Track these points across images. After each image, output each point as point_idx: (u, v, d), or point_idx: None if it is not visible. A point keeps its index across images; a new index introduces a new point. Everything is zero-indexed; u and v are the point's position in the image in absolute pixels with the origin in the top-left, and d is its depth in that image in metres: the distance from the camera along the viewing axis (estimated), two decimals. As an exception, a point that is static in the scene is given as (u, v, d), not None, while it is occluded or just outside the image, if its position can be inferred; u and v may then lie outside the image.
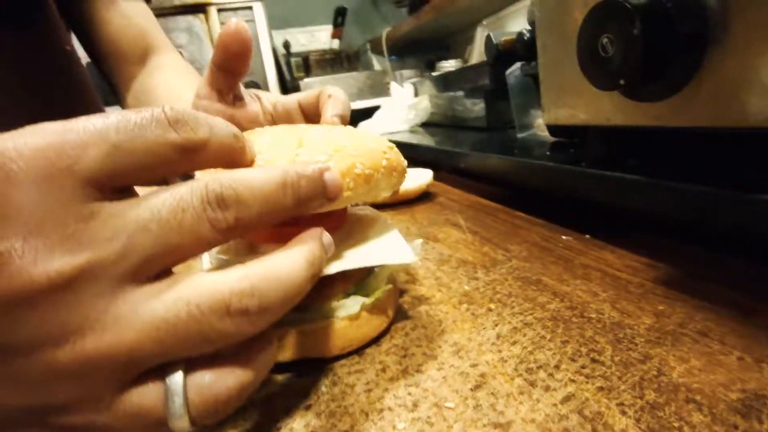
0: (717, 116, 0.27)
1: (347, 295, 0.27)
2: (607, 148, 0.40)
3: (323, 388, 0.24)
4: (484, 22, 1.39)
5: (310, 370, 0.25)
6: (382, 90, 1.68)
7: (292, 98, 0.39)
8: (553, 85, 0.41)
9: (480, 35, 1.41)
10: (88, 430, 0.16)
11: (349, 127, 0.29)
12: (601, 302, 0.28)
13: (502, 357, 0.24)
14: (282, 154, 0.23)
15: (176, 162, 0.17)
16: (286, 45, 2.04)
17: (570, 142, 0.48)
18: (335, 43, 2.00)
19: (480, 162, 0.55)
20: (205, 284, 0.16)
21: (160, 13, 1.59)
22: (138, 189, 0.18)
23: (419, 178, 0.59)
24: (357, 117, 1.25)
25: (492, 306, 0.30)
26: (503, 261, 0.36)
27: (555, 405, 0.20)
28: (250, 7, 1.77)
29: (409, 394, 0.22)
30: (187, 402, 0.16)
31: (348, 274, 0.26)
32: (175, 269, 0.18)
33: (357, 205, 0.29)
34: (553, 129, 0.49)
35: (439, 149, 0.70)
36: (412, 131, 0.99)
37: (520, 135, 0.60)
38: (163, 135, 0.17)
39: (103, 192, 0.16)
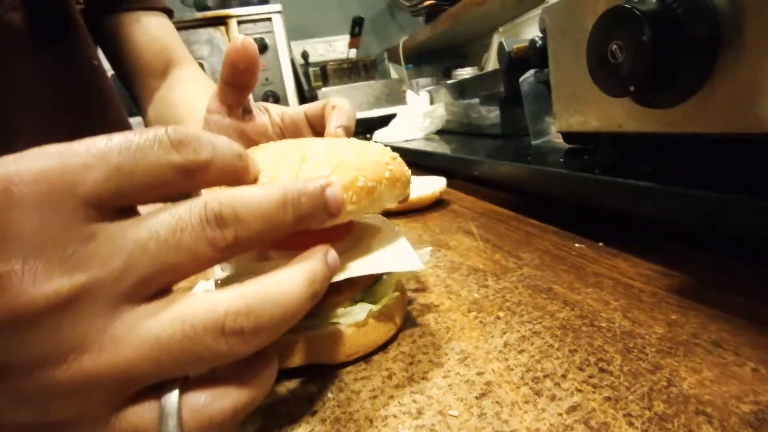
0: (730, 122, 0.26)
1: (354, 302, 0.27)
2: (619, 154, 0.39)
3: (329, 395, 0.24)
4: (501, 30, 1.39)
5: (316, 377, 0.25)
6: (398, 98, 1.69)
7: (299, 110, 0.40)
8: (564, 92, 0.40)
9: (496, 43, 1.41)
10: None
11: (353, 139, 0.29)
12: (612, 311, 0.28)
13: (509, 365, 0.24)
14: (285, 170, 0.23)
15: (178, 183, 0.18)
16: (305, 55, 2.07)
17: (584, 149, 0.48)
18: (353, 53, 2.02)
19: (493, 169, 0.54)
20: (201, 304, 0.16)
21: (182, 26, 1.64)
22: (141, 207, 0.18)
23: (432, 185, 0.59)
24: (373, 125, 1.26)
25: (501, 314, 0.29)
26: (514, 269, 0.36)
27: (560, 414, 0.20)
28: (269, 19, 1.80)
29: (414, 401, 0.22)
30: (181, 423, 0.16)
31: (355, 281, 0.26)
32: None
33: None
34: (566, 136, 0.49)
35: (453, 156, 0.70)
36: (427, 139, 1.00)
37: (534, 142, 0.59)
38: (165, 156, 0.17)
39: (104, 212, 0.16)
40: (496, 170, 0.54)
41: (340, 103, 0.36)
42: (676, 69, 0.27)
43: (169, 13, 0.62)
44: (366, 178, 0.24)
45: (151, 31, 0.58)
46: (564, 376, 0.23)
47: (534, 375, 0.23)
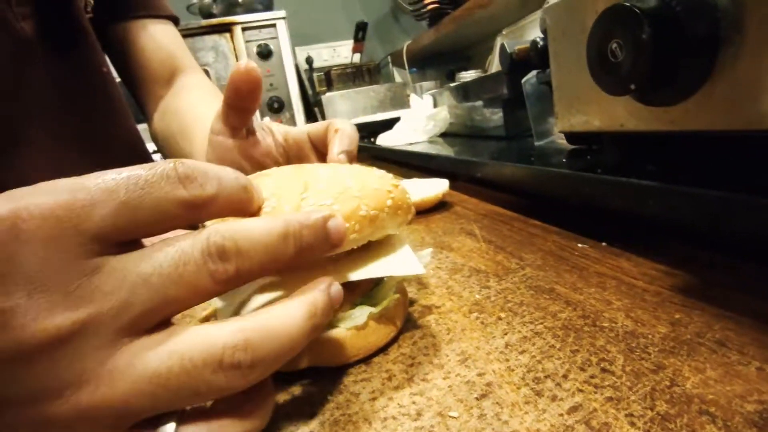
0: (732, 120, 0.26)
1: (354, 305, 0.27)
2: (623, 154, 0.39)
3: (328, 397, 0.24)
4: (504, 32, 1.39)
5: (315, 379, 0.25)
6: (402, 102, 1.69)
7: (302, 130, 0.40)
8: (566, 93, 0.40)
9: (499, 45, 1.41)
10: None
11: (355, 166, 0.30)
12: (615, 311, 0.28)
13: (510, 366, 0.24)
14: (287, 200, 0.23)
15: (183, 217, 0.18)
16: (309, 60, 2.08)
17: (588, 149, 0.48)
18: (356, 58, 2.03)
19: (496, 171, 0.54)
20: (200, 337, 0.16)
21: (187, 33, 1.65)
22: None
23: (435, 187, 0.59)
24: (377, 129, 1.26)
25: (502, 315, 0.29)
26: (516, 270, 0.36)
27: (561, 415, 0.20)
28: (274, 25, 1.82)
29: (414, 402, 0.22)
30: None
31: (355, 285, 0.26)
32: None
33: None
34: (569, 136, 0.49)
35: (456, 159, 0.70)
36: (431, 142, 0.99)
37: (537, 143, 0.59)
38: (172, 192, 0.17)
39: (109, 246, 0.16)
40: (499, 172, 0.54)
41: (343, 126, 0.36)
42: (676, 67, 0.27)
43: (175, 20, 0.63)
44: (368, 206, 0.24)
45: (157, 38, 0.58)
46: (565, 377, 0.22)
47: (535, 375, 0.23)
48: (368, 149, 1.22)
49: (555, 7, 0.39)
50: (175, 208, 0.17)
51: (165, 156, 0.58)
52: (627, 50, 0.28)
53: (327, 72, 1.80)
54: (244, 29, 1.79)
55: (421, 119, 1.03)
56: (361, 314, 0.26)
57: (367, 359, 0.27)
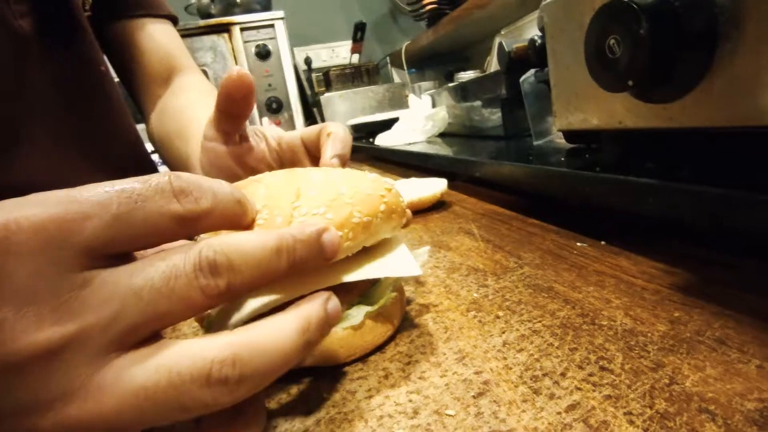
0: (731, 116, 0.26)
1: (351, 305, 0.27)
2: (622, 151, 0.39)
3: (324, 395, 0.23)
4: (503, 32, 1.39)
5: (312, 377, 0.25)
6: (401, 102, 1.69)
7: (296, 134, 0.40)
8: (564, 90, 0.40)
9: (497, 45, 1.41)
10: None
11: (348, 170, 0.29)
12: (613, 309, 0.27)
13: (507, 364, 0.24)
14: (279, 210, 0.23)
15: (176, 231, 0.18)
16: (308, 61, 2.08)
17: (587, 148, 0.47)
18: (355, 58, 2.03)
19: (494, 170, 0.54)
20: (188, 351, 0.16)
21: (186, 33, 1.65)
22: None
23: (433, 187, 0.59)
24: (376, 129, 1.26)
25: (500, 313, 0.29)
26: (515, 268, 0.36)
27: (559, 413, 0.20)
28: (272, 25, 1.81)
29: (410, 401, 0.22)
30: None
31: (352, 285, 0.26)
32: None
33: None
34: (568, 135, 0.48)
35: (453, 158, 0.70)
36: (429, 142, 0.99)
37: (536, 143, 0.59)
38: (166, 206, 0.17)
39: (100, 259, 0.16)
40: (498, 171, 0.53)
41: (336, 130, 0.36)
42: (674, 63, 0.27)
43: (173, 20, 0.63)
44: (361, 213, 0.24)
45: (155, 37, 0.58)
46: (563, 375, 0.22)
47: (533, 374, 0.23)
48: (367, 149, 1.22)
49: (552, 4, 0.39)
50: (169, 222, 0.17)
51: (162, 156, 0.58)
52: (625, 46, 0.28)
53: (325, 72, 1.80)
54: (242, 29, 1.78)
55: (420, 119, 1.03)
56: (358, 313, 0.26)
57: (364, 358, 0.26)
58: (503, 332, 0.27)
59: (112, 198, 0.16)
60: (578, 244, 0.39)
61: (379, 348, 0.27)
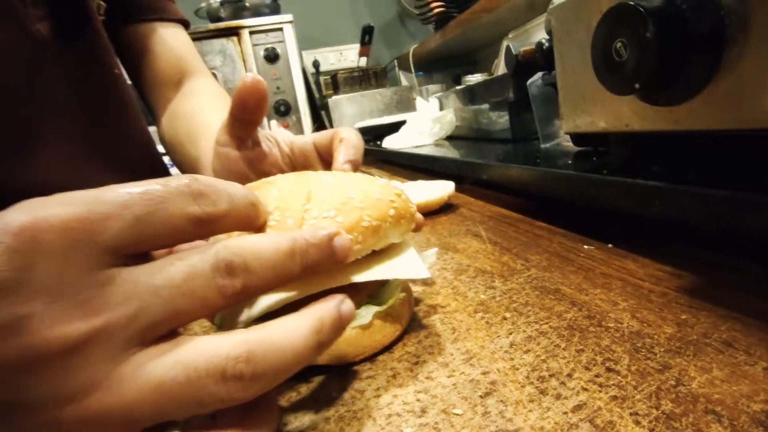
0: (737, 118, 0.26)
1: (360, 305, 0.27)
2: (629, 154, 0.39)
3: (333, 393, 0.24)
4: (510, 36, 1.39)
5: (321, 376, 0.26)
6: (408, 105, 1.69)
7: (308, 139, 0.40)
8: (571, 93, 0.40)
9: (505, 48, 1.41)
10: None
11: (358, 175, 0.30)
12: (620, 311, 0.28)
13: (514, 365, 0.24)
14: (291, 213, 0.24)
15: (194, 232, 0.18)
16: (316, 64, 2.09)
17: (594, 151, 0.47)
18: (363, 61, 2.04)
19: (501, 173, 0.54)
20: (204, 347, 0.17)
21: (195, 37, 1.67)
22: None
23: (440, 189, 0.59)
24: (383, 132, 1.27)
25: (507, 315, 0.29)
26: (522, 270, 0.36)
27: (565, 413, 0.20)
28: (281, 29, 1.83)
29: (418, 400, 0.22)
30: None
31: (361, 286, 0.26)
32: None
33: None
34: (575, 138, 0.49)
35: (461, 161, 0.70)
36: (437, 145, 1.00)
37: (544, 146, 0.59)
38: (185, 208, 0.18)
39: (122, 258, 0.17)
40: (505, 174, 0.54)
41: (348, 135, 0.36)
42: (681, 66, 0.27)
43: (185, 24, 0.64)
44: (371, 217, 0.25)
45: (167, 41, 0.59)
46: (570, 376, 0.22)
47: (539, 374, 0.23)
48: (374, 152, 1.22)
49: (560, 7, 0.39)
50: (187, 224, 0.18)
51: (173, 158, 0.59)
52: (631, 49, 0.28)
53: (333, 75, 1.81)
54: (251, 33, 1.80)
55: (427, 122, 1.04)
56: (366, 313, 0.26)
57: (372, 357, 0.27)
58: (510, 333, 0.27)
59: (134, 199, 0.17)
60: (585, 246, 0.39)
61: (388, 348, 0.27)
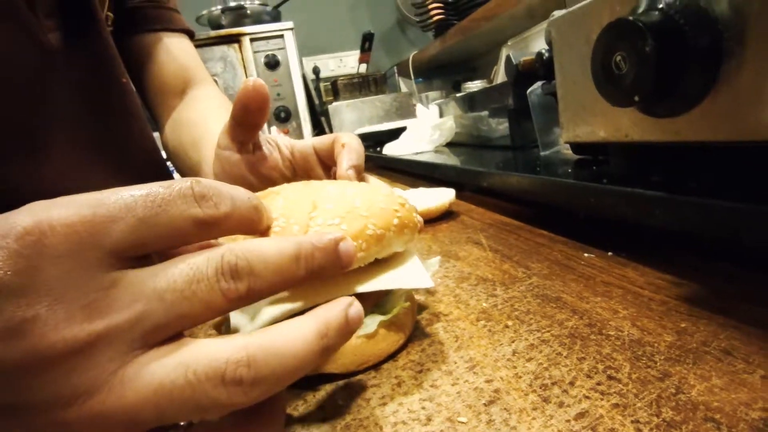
0: (735, 130, 0.27)
1: (365, 314, 0.28)
2: (629, 164, 0.39)
3: (339, 401, 0.24)
4: (509, 43, 1.40)
5: (327, 384, 0.26)
6: (408, 112, 1.70)
7: (308, 144, 0.41)
8: (571, 104, 0.41)
9: (505, 56, 1.42)
10: None
11: (363, 184, 0.30)
12: (621, 320, 0.28)
13: (517, 373, 0.24)
14: (296, 219, 0.24)
15: (196, 235, 0.19)
16: (316, 70, 2.10)
17: (593, 160, 0.48)
18: (363, 68, 2.05)
19: (502, 180, 0.55)
20: (205, 351, 0.17)
21: (197, 44, 1.66)
22: None
23: (441, 197, 0.59)
24: (383, 138, 1.27)
25: (509, 323, 0.30)
26: (523, 278, 0.36)
27: (568, 421, 0.20)
28: (282, 36, 1.84)
29: (423, 408, 0.23)
30: None
31: (366, 296, 0.27)
32: None
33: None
34: (575, 146, 0.49)
35: (461, 168, 0.71)
36: (437, 151, 1.00)
37: (543, 153, 0.60)
38: (187, 210, 0.18)
39: (125, 260, 0.17)
40: (505, 181, 0.54)
41: (350, 141, 0.37)
42: (679, 79, 0.28)
43: (190, 34, 0.65)
44: (375, 225, 0.25)
45: (172, 51, 0.60)
46: (572, 384, 0.23)
47: (542, 382, 0.23)
48: (374, 159, 1.23)
49: (560, 20, 0.39)
50: (190, 226, 0.18)
51: (175, 165, 0.59)
52: (631, 63, 0.29)
53: (333, 82, 1.82)
54: (252, 40, 1.81)
55: (427, 129, 1.04)
56: (371, 322, 0.27)
57: (376, 366, 0.27)
58: (513, 341, 0.27)
59: (137, 202, 0.17)
60: (585, 254, 0.39)
61: (392, 356, 0.28)
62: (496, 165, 0.64)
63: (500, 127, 0.81)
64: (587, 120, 0.39)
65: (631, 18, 0.28)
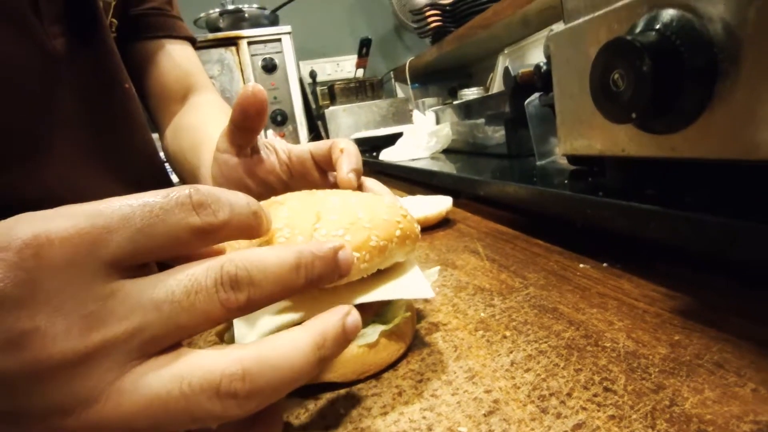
0: (728, 148, 0.27)
1: (366, 324, 0.28)
2: (624, 177, 0.40)
3: (341, 410, 0.25)
4: (506, 51, 1.42)
5: (328, 393, 0.26)
6: (404, 117, 1.71)
7: (305, 149, 0.41)
8: (568, 117, 0.42)
9: (501, 64, 1.43)
10: None
11: (365, 194, 0.31)
12: (616, 331, 0.29)
13: (516, 383, 0.25)
14: (301, 230, 0.25)
15: (195, 243, 0.19)
16: (313, 75, 2.11)
17: (589, 171, 0.49)
18: (360, 73, 2.06)
19: (498, 189, 0.55)
20: (201, 363, 0.17)
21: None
22: None
23: (438, 204, 0.60)
24: (380, 144, 1.28)
25: (507, 333, 0.30)
26: (520, 288, 0.37)
27: (566, 432, 0.21)
28: (279, 39, 1.84)
29: (424, 417, 0.23)
30: None
31: (367, 306, 0.27)
32: None
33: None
34: (571, 157, 0.50)
35: (459, 176, 0.71)
36: (433, 158, 1.01)
37: (539, 162, 0.61)
38: (185, 219, 0.18)
39: (123, 270, 0.17)
40: (502, 190, 0.55)
41: (347, 146, 0.37)
42: (675, 97, 0.28)
43: (193, 41, 0.65)
44: (378, 237, 0.26)
45: (174, 57, 0.60)
46: (569, 395, 0.23)
47: (540, 393, 0.24)
48: (371, 164, 1.23)
49: (559, 35, 0.40)
50: (188, 235, 0.18)
51: (175, 169, 0.60)
52: (628, 81, 0.30)
53: (330, 86, 1.83)
54: (249, 43, 1.81)
55: (424, 135, 1.05)
56: (373, 332, 0.27)
57: (377, 375, 0.27)
58: (511, 352, 0.28)
59: (135, 212, 0.17)
60: (581, 265, 0.40)
61: (392, 365, 0.28)
62: (493, 174, 0.65)
63: (496, 135, 0.82)
64: (584, 134, 0.40)
65: (629, 38, 0.29)
